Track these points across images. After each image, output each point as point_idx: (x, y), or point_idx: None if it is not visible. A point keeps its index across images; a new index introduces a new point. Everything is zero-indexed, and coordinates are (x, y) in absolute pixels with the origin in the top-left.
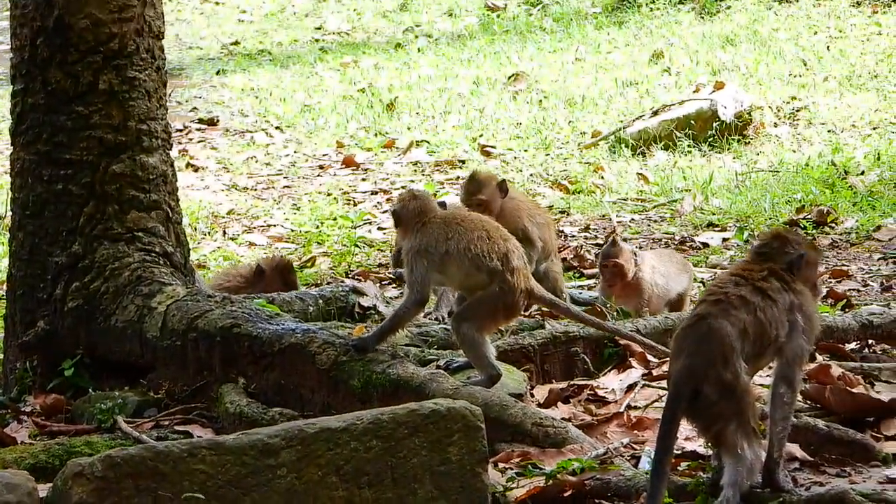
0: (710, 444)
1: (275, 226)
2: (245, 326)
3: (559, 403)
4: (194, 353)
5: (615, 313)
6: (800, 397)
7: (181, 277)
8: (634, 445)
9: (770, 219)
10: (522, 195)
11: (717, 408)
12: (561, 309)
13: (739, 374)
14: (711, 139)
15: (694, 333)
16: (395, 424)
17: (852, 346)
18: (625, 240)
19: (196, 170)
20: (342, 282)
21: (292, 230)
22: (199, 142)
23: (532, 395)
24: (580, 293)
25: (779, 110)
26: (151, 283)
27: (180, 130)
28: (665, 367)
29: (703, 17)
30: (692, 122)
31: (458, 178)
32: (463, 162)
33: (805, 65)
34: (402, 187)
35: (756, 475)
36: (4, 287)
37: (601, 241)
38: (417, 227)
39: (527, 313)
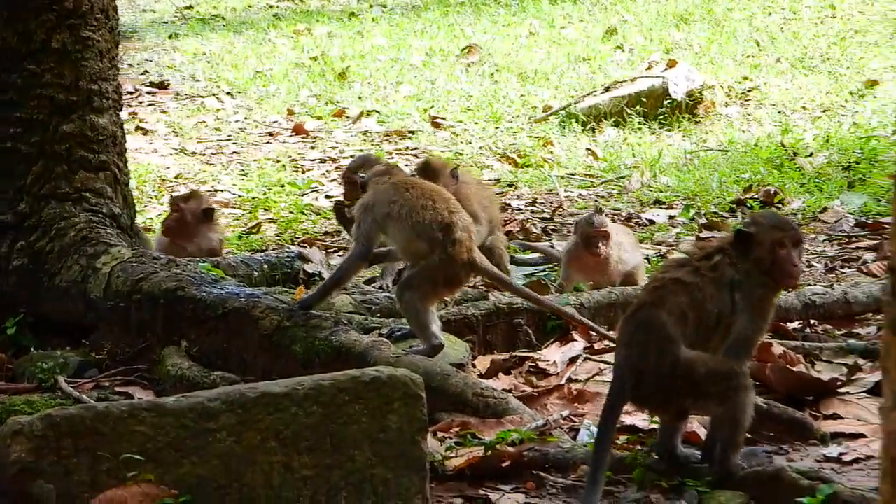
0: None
1: (222, 191)
2: (189, 290)
3: (500, 374)
4: (137, 314)
5: (560, 287)
6: None
7: (127, 239)
8: (574, 418)
9: (718, 198)
10: (469, 177)
11: (662, 393)
12: (503, 282)
13: (679, 358)
14: (662, 117)
15: (633, 322)
16: (335, 391)
17: (795, 325)
18: (570, 215)
19: (145, 133)
20: (288, 248)
21: (240, 196)
22: (149, 105)
23: (474, 366)
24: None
25: (730, 90)
26: (97, 244)
27: (131, 93)
28: (607, 342)
29: None
30: (643, 99)
31: (408, 148)
32: (413, 132)
33: (758, 45)
34: (351, 156)
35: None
36: None
37: (547, 215)
38: (373, 185)
39: (471, 285)
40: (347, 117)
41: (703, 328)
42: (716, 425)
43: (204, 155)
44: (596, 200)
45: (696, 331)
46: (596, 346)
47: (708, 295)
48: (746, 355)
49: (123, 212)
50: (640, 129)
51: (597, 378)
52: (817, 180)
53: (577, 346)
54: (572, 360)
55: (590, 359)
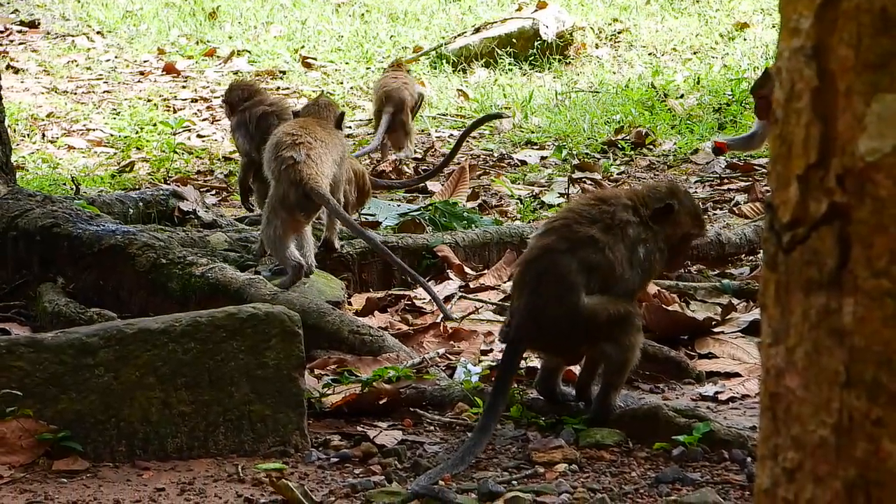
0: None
1: (94, 130)
2: (65, 226)
3: (376, 312)
4: (13, 251)
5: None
6: None
7: (3, 176)
8: (450, 356)
9: (589, 139)
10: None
11: (562, 340)
12: (340, 216)
13: (581, 306)
14: (532, 58)
15: (535, 268)
16: (213, 327)
17: None
18: (442, 155)
19: (16, 72)
20: (162, 186)
21: (112, 135)
22: (19, 44)
23: (350, 304)
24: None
25: (601, 31)
26: None
27: (1, 32)
28: (482, 280)
29: None
30: (514, 40)
31: (279, 88)
32: (283, 73)
33: None
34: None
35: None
36: None
37: (419, 156)
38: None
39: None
40: (218, 57)
41: (606, 282)
42: (605, 365)
43: (75, 94)
44: (468, 141)
45: (599, 283)
46: (471, 285)
47: (618, 254)
48: (634, 298)
49: None
50: (510, 70)
51: (472, 316)
52: (688, 122)
53: (453, 284)
54: (448, 299)
55: (465, 297)
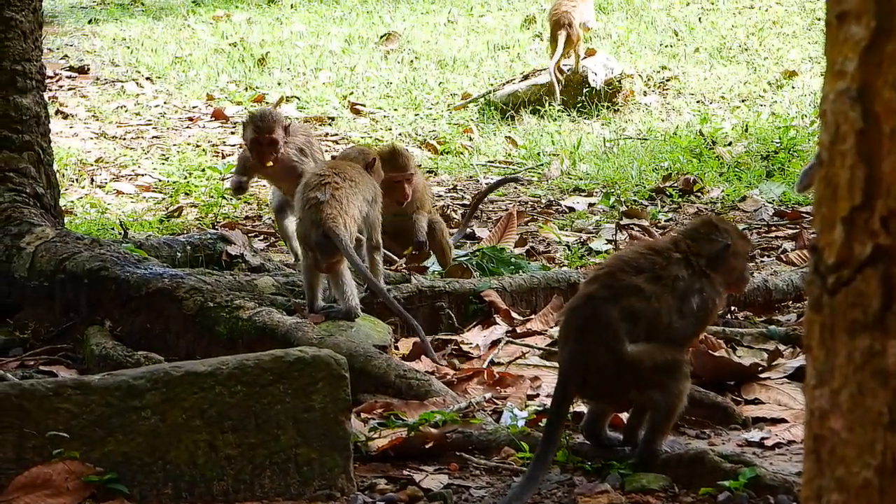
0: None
1: (143, 175)
2: (113, 269)
3: (423, 357)
4: (62, 294)
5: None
6: None
7: (51, 219)
8: (496, 401)
9: (637, 186)
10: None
11: (609, 388)
12: (349, 256)
13: (625, 354)
14: (581, 105)
15: (580, 317)
16: (259, 370)
17: None
18: (490, 202)
19: (66, 117)
20: (209, 230)
21: (160, 180)
22: (69, 89)
23: (396, 348)
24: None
25: (649, 79)
26: (21, 224)
27: (51, 78)
28: (529, 325)
29: None
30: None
31: (328, 134)
32: (332, 119)
33: (676, 35)
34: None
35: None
36: None
37: (468, 202)
38: None
39: (393, 268)
40: (267, 103)
41: (652, 330)
42: (651, 410)
43: (124, 139)
44: (515, 188)
45: (644, 332)
46: (518, 330)
47: (665, 304)
48: (687, 346)
49: (47, 192)
50: (559, 117)
51: (518, 362)
52: (736, 169)
53: (499, 329)
54: (494, 344)
55: (511, 342)
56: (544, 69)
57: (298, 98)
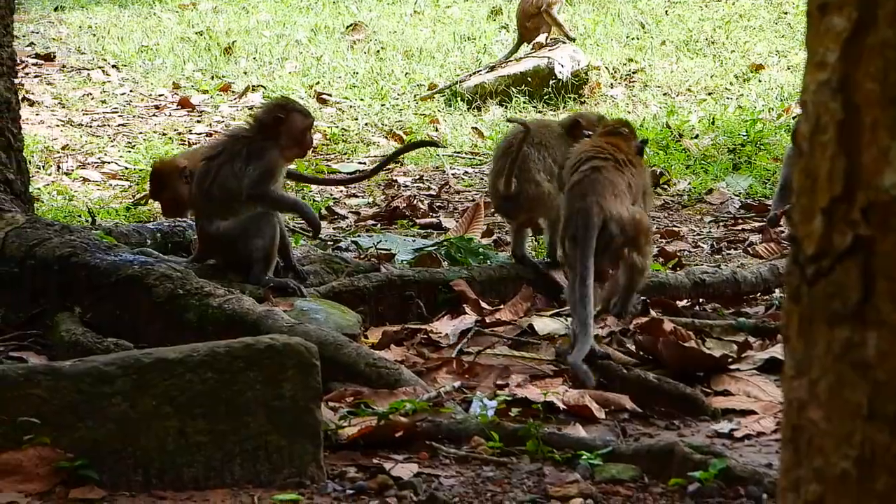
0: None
1: (109, 162)
2: (83, 256)
3: (392, 346)
4: (31, 280)
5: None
6: (633, 348)
7: (21, 205)
8: (466, 390)
9: None
10: None
11: (620, 238)
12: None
13: (631, 210)
14: (547, 97)
15: (590, 180)
16: (230, 358)
17: (684, 303)
18: (457, 192)
19: (32, 104)
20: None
21: (126, 168)
22: (35, 77)
23: (366, 337)
24: None
25: (615, 71)
26: None
27: (17, 65)
28: (498, 315)
29: None
30: (528, 79)
31: None
32: None
33: (643, 28)
34: None
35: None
36: None
37: (434, 192)
38: None
39: (363, 257)
40: (233, 92)
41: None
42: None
43: (90, 127)
44: (482, 178)
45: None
46: (487, 320)
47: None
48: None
49: (17, 178)
50: (525, 108)
51: (487, 351)
52: (703, 162)
53: (469, 319)
54: (464, 333)
55: (481, 332)
56: (511, 61)
57: (264, 87)
